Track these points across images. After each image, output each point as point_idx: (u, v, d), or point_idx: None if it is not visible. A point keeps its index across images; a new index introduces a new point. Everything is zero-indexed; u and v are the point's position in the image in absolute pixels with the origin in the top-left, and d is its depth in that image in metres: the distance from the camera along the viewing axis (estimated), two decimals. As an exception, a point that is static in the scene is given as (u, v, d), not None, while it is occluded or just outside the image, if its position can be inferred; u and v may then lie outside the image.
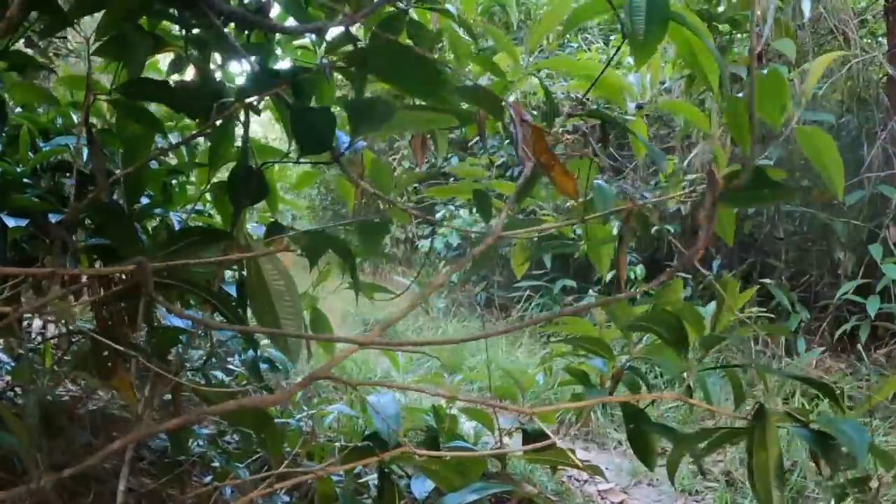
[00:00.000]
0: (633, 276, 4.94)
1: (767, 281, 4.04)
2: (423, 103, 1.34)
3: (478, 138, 7.11)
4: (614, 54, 1.80)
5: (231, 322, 1.41)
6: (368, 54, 1.20)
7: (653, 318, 1.34)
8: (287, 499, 2.34)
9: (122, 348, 1.43)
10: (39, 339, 2.95)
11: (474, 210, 6.54)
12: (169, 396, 2.18)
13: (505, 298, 6.36)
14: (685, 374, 1.81)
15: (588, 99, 1.93)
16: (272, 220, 1.80)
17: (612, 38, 5.18)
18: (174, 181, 2.29)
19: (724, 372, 1.76)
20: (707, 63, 1.66)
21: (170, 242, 1.42)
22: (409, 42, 1.63)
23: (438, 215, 6.32)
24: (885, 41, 4.36)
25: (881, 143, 3.78)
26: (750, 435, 1.29)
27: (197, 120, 1.91)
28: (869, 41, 4.55)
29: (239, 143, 2.03)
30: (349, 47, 1.69)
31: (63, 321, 2.33)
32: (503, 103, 1.63)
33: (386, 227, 1.89)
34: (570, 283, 5.96)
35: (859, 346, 3.56)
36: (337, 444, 2.71)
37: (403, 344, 1.36)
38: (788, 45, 3.44)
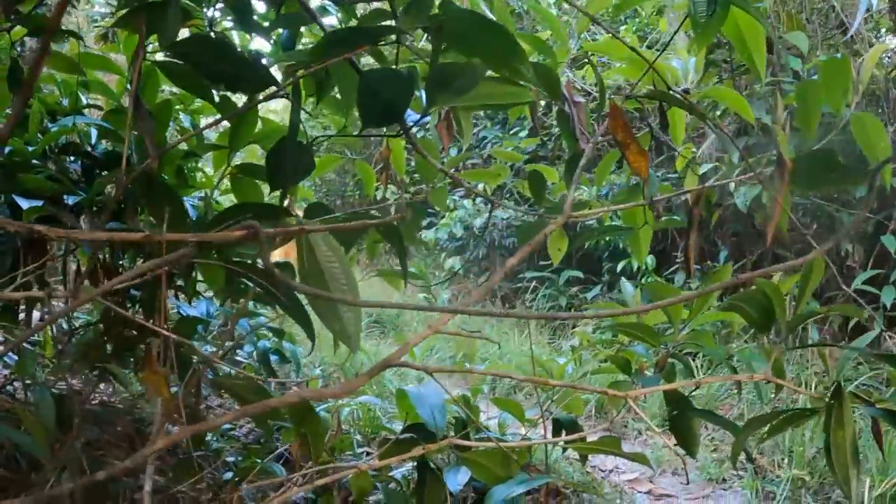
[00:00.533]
0: (644, 266, 4.93)
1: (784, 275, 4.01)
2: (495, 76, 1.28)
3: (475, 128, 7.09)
4: (671, 38, 1.75)
5: (290, 308, 1.33)
6: (445, 21, 1.13)
7: (744, 298, 1.30)
8: (303, 494, 2.27)
9: (169, 333, 1.35)
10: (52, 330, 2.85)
11: (478, 200, 6.54)
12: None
13: (509, 289, 6.33)
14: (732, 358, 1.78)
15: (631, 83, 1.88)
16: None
17: (621, 28, 5.16)
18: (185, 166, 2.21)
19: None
20: (756, 48, 1.63)
21: (219, 220, 1.34)
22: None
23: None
24: (887, 36, 4.37)
25: (890, 136, 3.77)
26: (828, 413, 1.27)
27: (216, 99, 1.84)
28: (874, 34, 4.56)
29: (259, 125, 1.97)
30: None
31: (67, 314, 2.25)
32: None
33: (424, 210, 1.83)
34: (577, 273, 5.93)
35: (887, 336, 3.55)
36: (357, 436, 2.64)
37: (495, 314, 1.33)
38: (801, 38, 3.42)
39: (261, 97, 1.32)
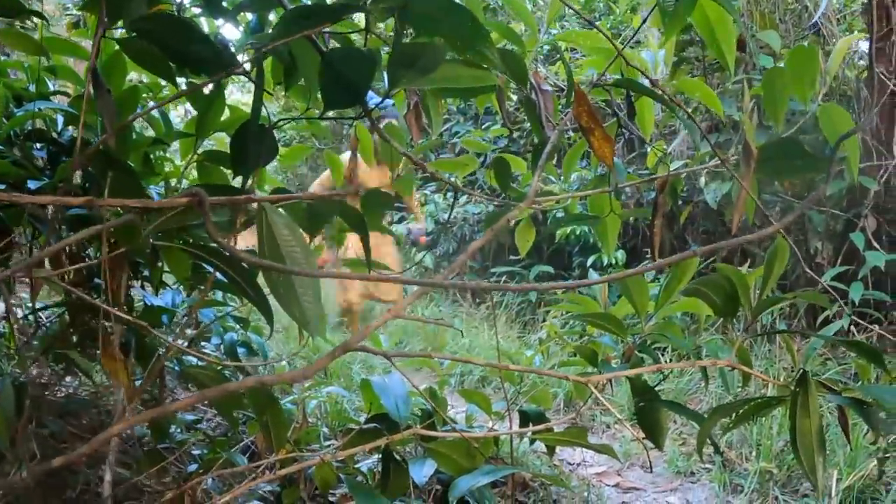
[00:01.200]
0: (614, 261, 4.95)
1: (750, 269, 4.04)
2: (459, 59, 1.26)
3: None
4: (637, 30, 1.75)
5: (249, 293, 1.30)
6: (411, 1, 1.12)
7: (708, 283, 1.29)
8: (269, 486, 2.25)
9: (134, 321, 1.33)
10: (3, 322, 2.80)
11: (448, 195, 6.53)
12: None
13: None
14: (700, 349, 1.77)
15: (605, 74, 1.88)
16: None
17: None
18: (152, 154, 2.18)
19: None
20: (725, 41, 1.63)
21: (175, 201, 1.31)
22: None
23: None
24: (861, 38, 4.42)
25: (860, 135, 3.81)
26: (793, 401, 1.27)
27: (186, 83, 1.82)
28: (846, 35, 4.61)
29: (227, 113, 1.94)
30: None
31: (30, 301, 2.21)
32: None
33: (391, 198, 1.81)
34: (547, 268, 5.94)
35: (853, 330, 3.59)
36: (324, 429, 2.62)
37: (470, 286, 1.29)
38: (774, 37, 3.45)
39: (216, 78, 1.29)
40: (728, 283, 1.27)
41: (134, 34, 1.38)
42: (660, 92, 1.62)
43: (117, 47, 1.59)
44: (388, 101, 1.30)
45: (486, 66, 1.29)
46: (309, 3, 1.87)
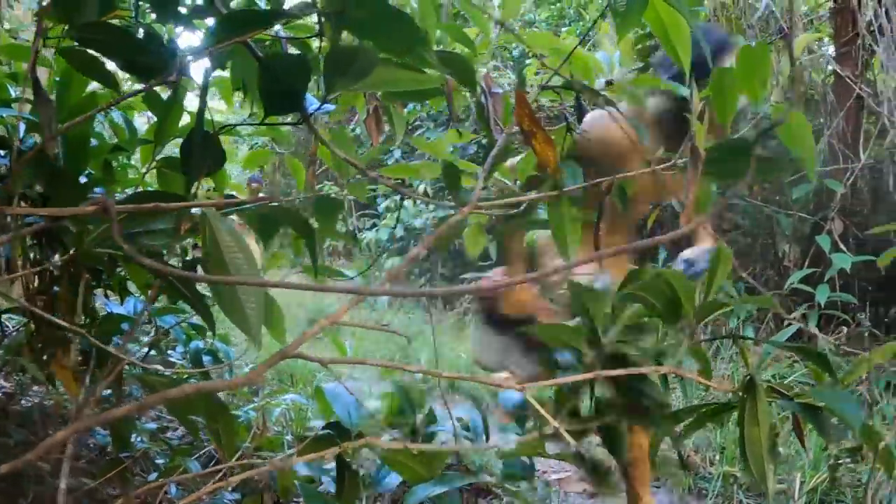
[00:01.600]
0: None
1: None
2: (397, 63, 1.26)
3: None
4: (589, 30, 1.74)
5: (190, 300, 1.29)
6: (347, 3, 1.11)
7: (647, 287, 1.27)
8: (234, 496, 2.23)
9: (72, 327, 1.31)
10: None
11: (417, 201, 6.52)
12: (108, 390, 2.05)
13: (448, 290, 6.31)
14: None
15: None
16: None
17: (563, 30, 5.19)
18: (114, 162, 2.17)
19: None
20: (679, 41, 1.63)
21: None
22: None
23: (381, 207, 6.22)
24: (828, 41, 4.47)
25: (827, 139, 3.85)
26: (741, 408, 1.24)
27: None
28: (817, 43, 4.65)
29: (186, 118, 1.93)
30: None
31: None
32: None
33: (341, 203, 1.80)
34: (518, 274, 5.94)
35: (816, 333, 3.61)
36: (287, 437, 2.60)
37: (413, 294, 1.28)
38: (739, 41, 3.48)
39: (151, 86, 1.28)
40: (668, 287, 1.25)
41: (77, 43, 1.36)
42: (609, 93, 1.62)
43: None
44: (329, 106, 1.29)
45: (427, 69, 1.28)
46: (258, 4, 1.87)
